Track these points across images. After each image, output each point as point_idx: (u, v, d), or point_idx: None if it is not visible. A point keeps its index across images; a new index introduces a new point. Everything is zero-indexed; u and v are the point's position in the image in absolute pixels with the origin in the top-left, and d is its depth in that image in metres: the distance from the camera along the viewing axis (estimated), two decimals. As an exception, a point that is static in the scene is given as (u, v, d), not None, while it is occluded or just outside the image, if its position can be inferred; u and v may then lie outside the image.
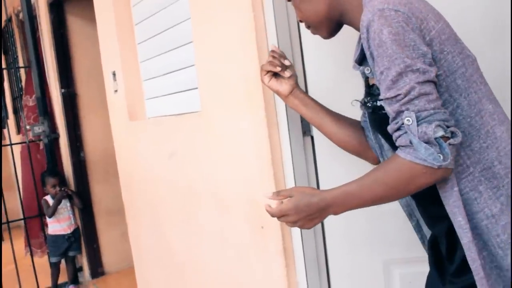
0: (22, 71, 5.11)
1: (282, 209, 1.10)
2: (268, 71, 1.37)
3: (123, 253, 3.56)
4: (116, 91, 2.91)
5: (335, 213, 1.09)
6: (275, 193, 1.16)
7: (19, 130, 5.78)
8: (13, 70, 5.31)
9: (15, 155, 4.50)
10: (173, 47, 2.36)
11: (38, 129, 4.19)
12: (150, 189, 2.72)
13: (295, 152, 1.69)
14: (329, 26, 1.21)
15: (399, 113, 1.00)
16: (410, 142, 0.98)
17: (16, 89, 5.76)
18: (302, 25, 1.34)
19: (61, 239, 4.11)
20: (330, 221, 1.54)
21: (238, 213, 1.91)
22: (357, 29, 1.16)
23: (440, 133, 0.96)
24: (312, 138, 1.71)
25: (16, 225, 5.32)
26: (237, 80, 1.81)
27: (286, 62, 1.38)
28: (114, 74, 2.89)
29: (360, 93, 1.30)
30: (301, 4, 1.21)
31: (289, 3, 1.33)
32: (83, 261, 4.39)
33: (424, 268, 1.32)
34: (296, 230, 1.71)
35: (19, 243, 4.30)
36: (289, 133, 1.68)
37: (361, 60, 1.19)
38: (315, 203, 1.07)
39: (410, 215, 1.32)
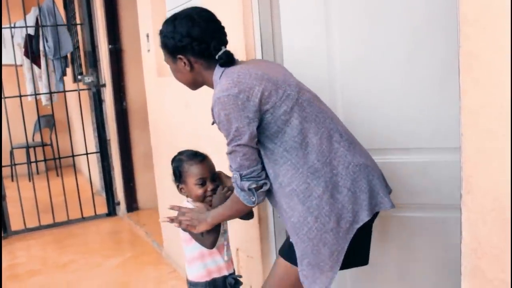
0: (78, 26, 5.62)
1: (183, 209, 1.81)
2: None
3: (155, 193, 3.94)
4: (149, 50, 3.36)
5: (209, 223, 1.76)
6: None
7: (75, 79, 6.33)
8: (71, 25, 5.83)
9: (68, 101, 5.03)
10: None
11: (88, 79, 4.71)
12: (172, 134, 3.19)
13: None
14: (193, 87, 1.75)
15: (230, 166, 1.57)
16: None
17: (74, 42, 6.29)
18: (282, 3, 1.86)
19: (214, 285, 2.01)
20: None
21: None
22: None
23: (253, 185, 1.54)
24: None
25: (68, 164, 5.99)
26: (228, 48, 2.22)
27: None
28: (147, 36, 3.34)
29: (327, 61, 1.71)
30: (174, 72, 1.72)
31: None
32: (121, 196, 4.91)
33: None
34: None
35: (70, 180, 4.88)
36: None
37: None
38: (203, 215, 1.77)
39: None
